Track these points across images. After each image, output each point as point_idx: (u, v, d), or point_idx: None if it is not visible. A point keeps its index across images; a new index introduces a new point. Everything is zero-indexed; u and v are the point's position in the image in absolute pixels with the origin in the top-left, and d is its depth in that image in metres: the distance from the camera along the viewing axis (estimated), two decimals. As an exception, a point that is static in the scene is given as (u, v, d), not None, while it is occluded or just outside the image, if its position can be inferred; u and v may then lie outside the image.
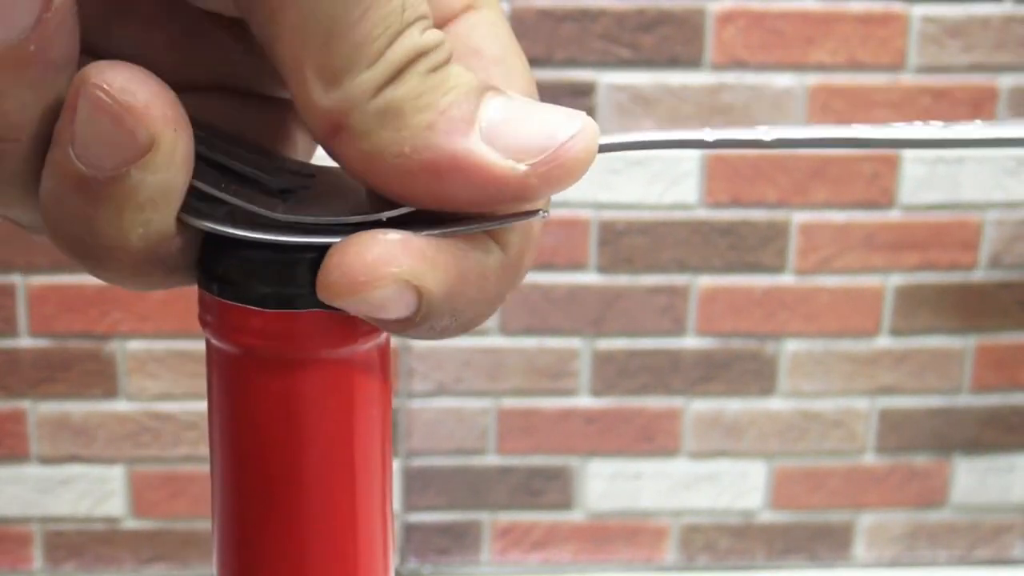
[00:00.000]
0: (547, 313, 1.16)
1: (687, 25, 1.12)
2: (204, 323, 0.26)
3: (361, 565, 0.26)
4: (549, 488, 1.21)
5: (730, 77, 1.12)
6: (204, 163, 0.26)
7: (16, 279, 1.13)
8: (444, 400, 1.18)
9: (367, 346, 0.26)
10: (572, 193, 1.13)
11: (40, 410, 1.15)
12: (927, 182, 1.16)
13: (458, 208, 0.25)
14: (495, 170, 0.25)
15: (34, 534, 1.18)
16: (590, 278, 1.16)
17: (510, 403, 1.18)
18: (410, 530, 1.21)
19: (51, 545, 1.18)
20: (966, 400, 1.21)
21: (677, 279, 1.16)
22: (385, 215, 0.26)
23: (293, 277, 0.25)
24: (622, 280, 1.16)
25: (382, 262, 0.25)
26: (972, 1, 1.12)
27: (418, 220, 0.26)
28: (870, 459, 1.22)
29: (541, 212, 0.27)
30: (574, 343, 1.17)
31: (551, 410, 1.19)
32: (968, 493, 1.23)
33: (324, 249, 0.25)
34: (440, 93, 0.25)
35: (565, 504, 1.21)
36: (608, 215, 1.15)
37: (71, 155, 0.25)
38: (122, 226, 0.25)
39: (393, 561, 0.27)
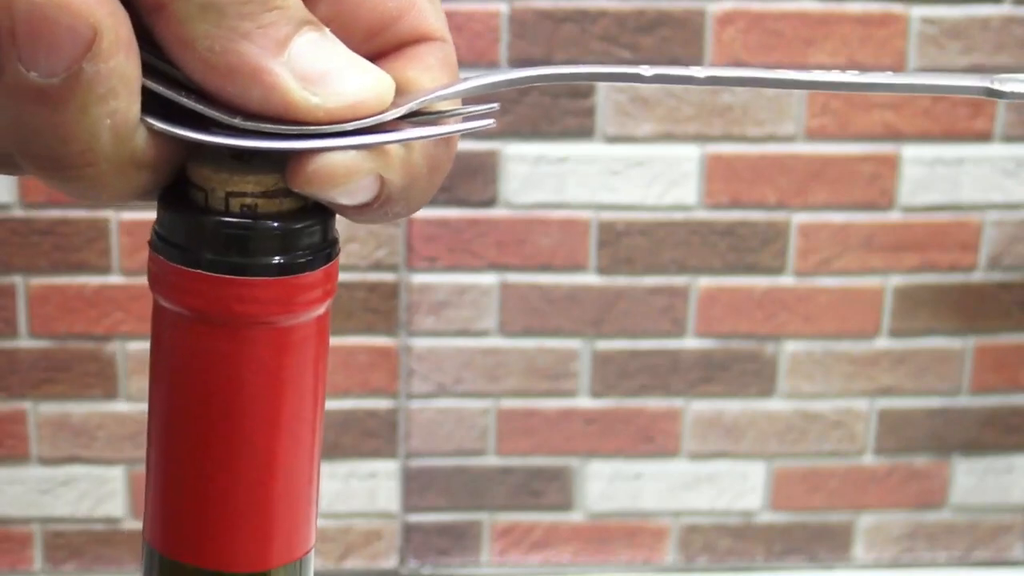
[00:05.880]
0: (547, 314, 1.16)
1: (687, 26, 1.12)
2: (153, 283, 0.28)
3: (281, 520, 0.28)
4: (549, 489, 1.21)
5: (730, 78, 1.12)
6: (153, 71, 0.27)
7: (16, 279, 1.13)
8: (444, 401, 1.18)
9: (308, 316, 0.27)
10: (572, 194, 1.14)
11: (40, 411, 1.15)
12: (926, 183, 1.16)
13: (248, 110, 0.27)
14: (291, 95, 0.27)
15: (34, 534, 1.18)
16: (590, 279, 1.16)
17: (510, 404, 1.18)
18: (410, 531, 1.21)
19: (51, 546, 1.18)
20: (965, 401, 1.21)
21: (677, 280, 1.16)
22: (352, 125, 0.27)
23: (245, 247, 0.26)
24: (622, 281, 1.16)
25: (360, 158, 0.28)
26: (972, 2, 1.12)
27: (383, 127, 0.28)
28: (869, 460, 1.22)
29: (490, 121, 0.29)
30: (574, 344, 1.17)
31: (551, 411, 1.19)
32: (967, 494, 1.24)
33: (270, 228, 0.27)
34: (265, 8, 0.27)
35: (565, 505, 1.21)
36: (608, 216, 1.15)
37: (21, 71, 0.25)
38: (90, 123, 0.26)
39: (315, 519, 0.29)
